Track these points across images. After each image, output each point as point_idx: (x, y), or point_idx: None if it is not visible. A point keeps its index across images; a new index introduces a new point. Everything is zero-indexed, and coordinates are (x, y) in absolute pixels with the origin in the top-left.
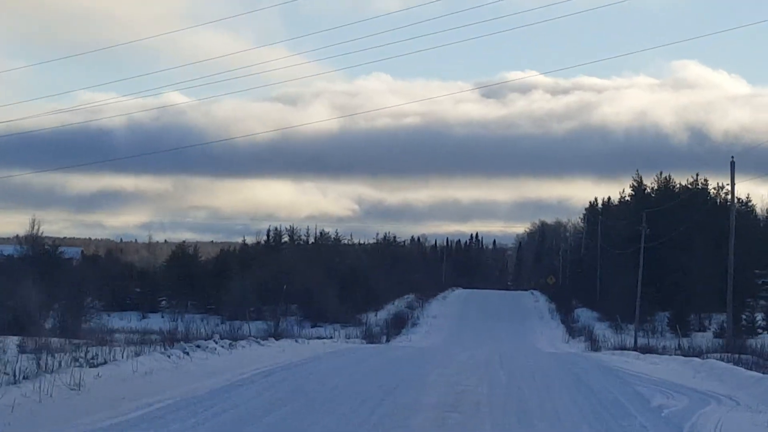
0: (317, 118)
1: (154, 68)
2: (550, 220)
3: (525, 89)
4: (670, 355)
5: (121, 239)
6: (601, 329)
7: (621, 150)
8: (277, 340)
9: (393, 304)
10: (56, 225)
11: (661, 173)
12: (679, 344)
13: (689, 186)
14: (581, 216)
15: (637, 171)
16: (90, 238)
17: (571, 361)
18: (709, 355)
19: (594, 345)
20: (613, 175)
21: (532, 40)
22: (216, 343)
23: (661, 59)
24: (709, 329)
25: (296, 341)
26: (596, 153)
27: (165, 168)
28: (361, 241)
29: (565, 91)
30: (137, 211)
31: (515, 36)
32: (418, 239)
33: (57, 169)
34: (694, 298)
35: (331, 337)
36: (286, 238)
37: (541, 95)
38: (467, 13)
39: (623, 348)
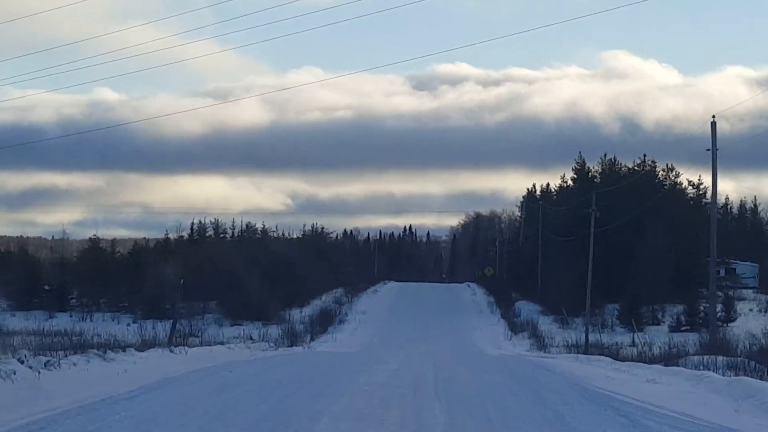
0: (249, 113)
1: (82, 64)
2: (484, 211)
3: (456, 81)
4: (646, 362)
5: (53, 237)
6: (546, 324)
7: (553, 141)
8: (149, 349)
9: (320, 299)
10: None
11: (605, 155)
12: (633, 340)
13: (636, 168)
14: (518, 204)
15: (580, 153)
16: (22, 236)
17: (530, 375)
18: (689, 358)
19: (540, 343)
20: (545, 166)
21: (462, 32)
22: (22, 362)
23: (592, 49)
24: (663, 322)
25: (171, 350)
26: (528, 144)
27: (97, 165)
28: (290, 234)
29: (496, 83)
30: (71, 209)
31: (445, 28)
32: (351, 232)
33: None
34: (645, 288)
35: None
36: (210, 232)
37: (472, 87)
38: (397, 5)
39: (573, 346)
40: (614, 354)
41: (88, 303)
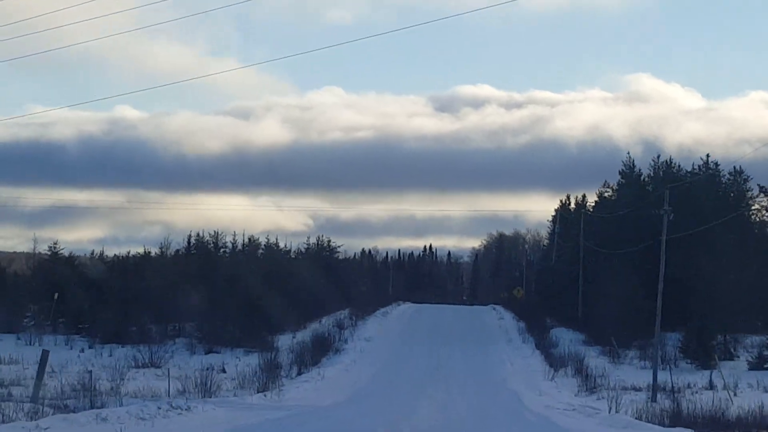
0: (270, 132)
1: (104, 81)
2: (507, 231)
3: (478, 103)
4: None
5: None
6: (592, 357)
7: (575, 164)
8: None
9: (320, 322)
10: (10, 241)
11: (659, 156)
12: (710, 380)
13: (696, 171)
14: (549, 219)
15: (628, 154)
16: (40, 253)
17: None
18: None
19: (589, 383)
20: (567, 189)
21: (484, 54)
22: None
23: (615, 73)
24: (737, 357)
25: None
26: (550, 167)
27: (117, 182)
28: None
29: (519, 105)
30: (91, 226)
31: (468, 49)
32: (369, 252)
33: (8, 184)
34: (718, 314)
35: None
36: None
37: (494, 109)
38: (420, 26)
39: (633, 389)
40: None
41: (42, 323)
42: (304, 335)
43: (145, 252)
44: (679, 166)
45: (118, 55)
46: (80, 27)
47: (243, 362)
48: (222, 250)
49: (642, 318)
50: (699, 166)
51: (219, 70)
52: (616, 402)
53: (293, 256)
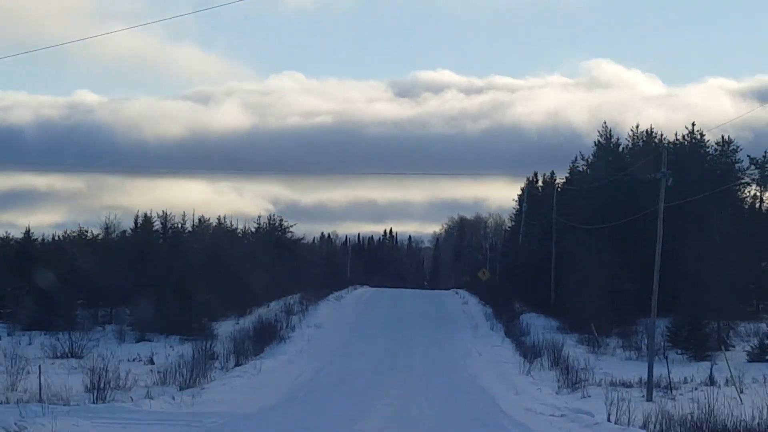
0: (229, 117)
1: (63, 66)
2: (469, 215)
3: (438, 89)
4: None
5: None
6: (569, 346)
7: (535, 150)
8: None
9: (268, 307)
10: None
11: (637, 126)
12: (711, 374)
13: (680, 142)
14: (514, 199)
15: (605, 123)
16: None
17: None
18: None
19: (570, 378)
20: (527, 175)
21: (445, 39)
22: None
23: (575, 58)
24: (732, 346)
25: None
26: (510, 152)
27: (76, 167)
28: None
29: (479, 91)
30: (50, 212)
31: (428, 34)
32: (329, 236)
33: None
34: (709, 297)
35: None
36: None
37: (454, 95)
38: (380, 10)
39: (622, 384)
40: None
41: None
42: (248, 322)
43: (80, 232)
44: (662, 135)
45: (76, 39)
46: (41, 11)
47: (176, 352)
48: (170, 230)
49: (622, 302)
50: (684, 135)
51: (178, 54)
52: (617, 406)
53: (240, 235)
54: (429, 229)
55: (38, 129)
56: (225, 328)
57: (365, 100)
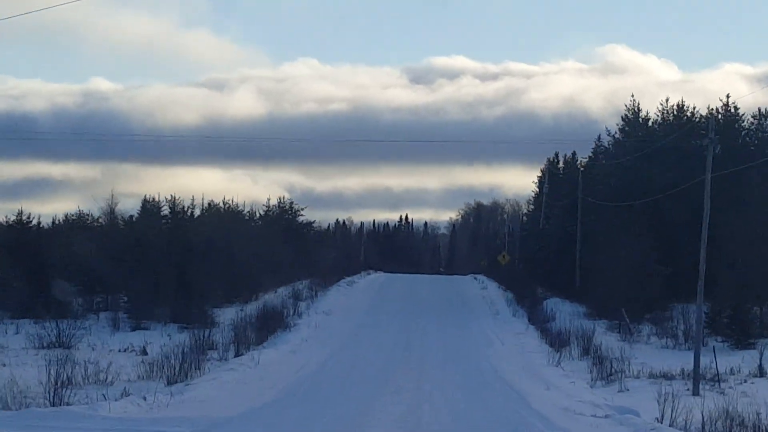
0: (244, 105)
1: (77, 53)
2: (486, 201)
3: (453, 75)
4: None
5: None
6: (599, 335)
7: (550, 136)
8: None
9: (276, 292)
10: None
11: (667, 100)
12: (760, 366)
13: (715, 113)
14: (534, 181)
15: (632, 96)
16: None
17: None
18: None
19: (605, 371)
20: (542, 162)
21: (459, 25)
22: None
23: (590, 44)
24: None
25: None
26: (525, 139)
27: (91, 155)
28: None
29: (494, 77)
30: (66, 199)
31: (443, 20)
32: (344, 222)
33: None
34: (752, 280)
35: None
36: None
37: (469, 81)
38: None
39: (664, 375)
40: None
41: None
42: (253, 308)
43: (79, 214)
44: (694, 108)
45: (90, 26)
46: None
47: (173, 341)
48: (178, 215)
49: (655, 286)
50: (717, 108)
51: (191, 41)
52: (667, 404)
53: (247, 218)
54: (444, 216)
55: (53, 117)
56: (228, 315)
57: (380, 87)
